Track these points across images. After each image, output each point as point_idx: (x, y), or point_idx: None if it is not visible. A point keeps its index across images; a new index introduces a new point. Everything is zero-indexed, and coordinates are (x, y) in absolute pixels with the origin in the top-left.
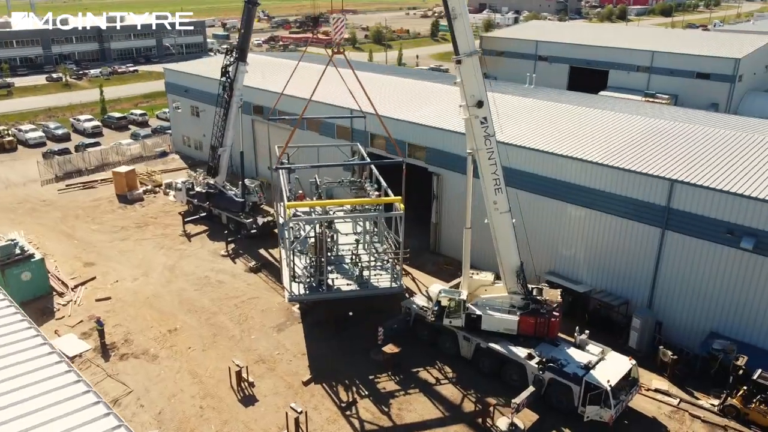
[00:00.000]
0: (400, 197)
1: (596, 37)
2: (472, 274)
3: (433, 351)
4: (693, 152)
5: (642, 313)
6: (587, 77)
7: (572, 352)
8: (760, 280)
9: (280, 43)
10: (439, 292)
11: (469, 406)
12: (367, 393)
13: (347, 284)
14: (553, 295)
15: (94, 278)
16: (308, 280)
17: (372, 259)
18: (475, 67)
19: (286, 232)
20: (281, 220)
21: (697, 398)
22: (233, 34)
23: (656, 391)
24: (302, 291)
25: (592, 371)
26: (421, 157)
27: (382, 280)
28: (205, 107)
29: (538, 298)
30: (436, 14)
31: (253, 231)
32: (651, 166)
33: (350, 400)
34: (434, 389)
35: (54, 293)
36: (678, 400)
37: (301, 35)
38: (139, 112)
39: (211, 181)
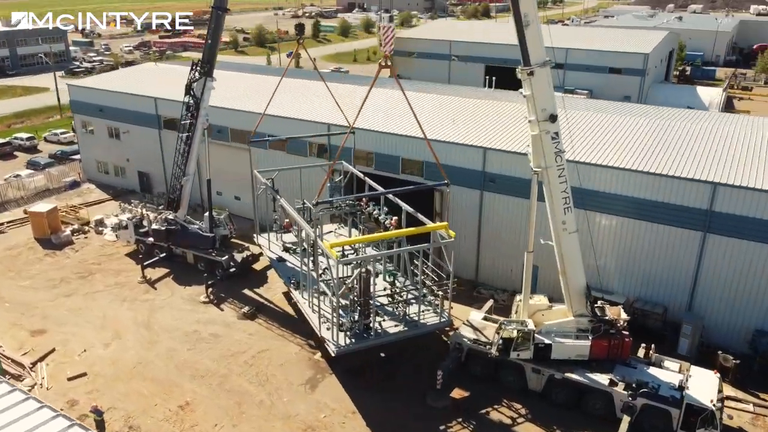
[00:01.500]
0: (446, 223)
1: (510, 36)
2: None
3: (492, 386)
4: (715, 151)
5: (691, 318)
6: (503, 75)
7: (654, 371)
8: None
9: (154, 48)
10: (500, 324)
11: None
12: None
13: (395, 326)
14: (616, 313)
15: (54, 350)
16: (352, 326)
17: (414, 293)
18: (548, 78)
19: (324, 276)
20: (272, 256)
21: (765, 400)
22: (96, 41)
23: (727, 398)
24: (348, 341)
25: (687, 391)
26: (418, 173)
27: (427, 316)
28: (128, 128)
29: (606, 318)
30: (307, 14)
31: (232, 270)
32: (687, 170)
33: None
34: (516, 431)
35: (8, 377)
36: (750, 405)
37: (176, 39)
38: (25, 135)
39: (171, 216)
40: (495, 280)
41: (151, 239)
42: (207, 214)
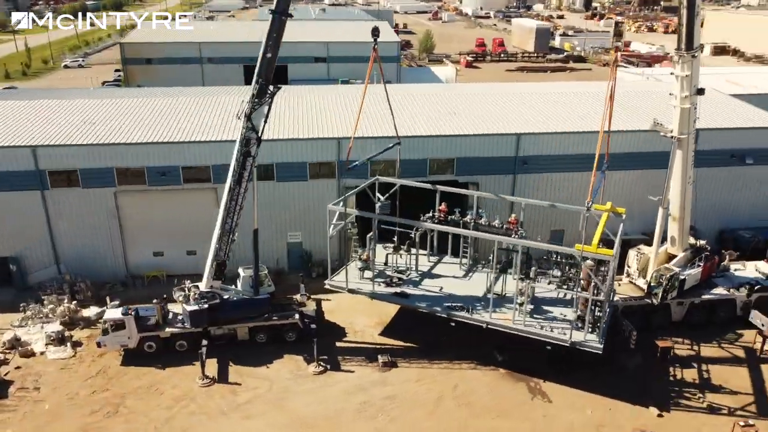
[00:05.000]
0: (609, 203)
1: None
2: (639, 249)
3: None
4: None
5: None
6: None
7: (739, 274)
8: None
9: None
10: (653, 276)
11: None
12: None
13: (598, 310)
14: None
15: None
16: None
17: None
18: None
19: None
20: (385, 293)
21: None
22: None
23: None
24: (596, 337)
25: None
26: (449, 171)
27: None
28: None
29: (699, 246)
30: None
31: (313, 327)
32: None
33: None
34: (717, 359)
35: None
36: None
37: None
38: None
39: (205, 288)
40: None
41: (171, 329)
42: (244, 274)
